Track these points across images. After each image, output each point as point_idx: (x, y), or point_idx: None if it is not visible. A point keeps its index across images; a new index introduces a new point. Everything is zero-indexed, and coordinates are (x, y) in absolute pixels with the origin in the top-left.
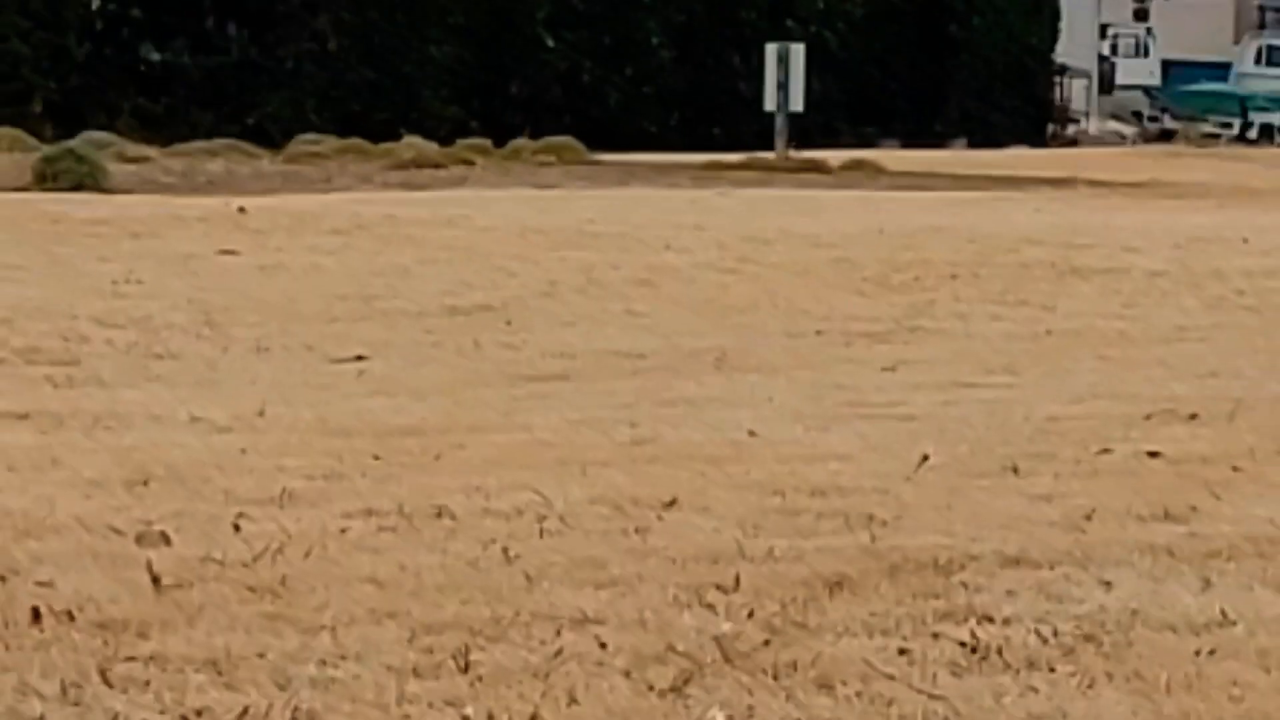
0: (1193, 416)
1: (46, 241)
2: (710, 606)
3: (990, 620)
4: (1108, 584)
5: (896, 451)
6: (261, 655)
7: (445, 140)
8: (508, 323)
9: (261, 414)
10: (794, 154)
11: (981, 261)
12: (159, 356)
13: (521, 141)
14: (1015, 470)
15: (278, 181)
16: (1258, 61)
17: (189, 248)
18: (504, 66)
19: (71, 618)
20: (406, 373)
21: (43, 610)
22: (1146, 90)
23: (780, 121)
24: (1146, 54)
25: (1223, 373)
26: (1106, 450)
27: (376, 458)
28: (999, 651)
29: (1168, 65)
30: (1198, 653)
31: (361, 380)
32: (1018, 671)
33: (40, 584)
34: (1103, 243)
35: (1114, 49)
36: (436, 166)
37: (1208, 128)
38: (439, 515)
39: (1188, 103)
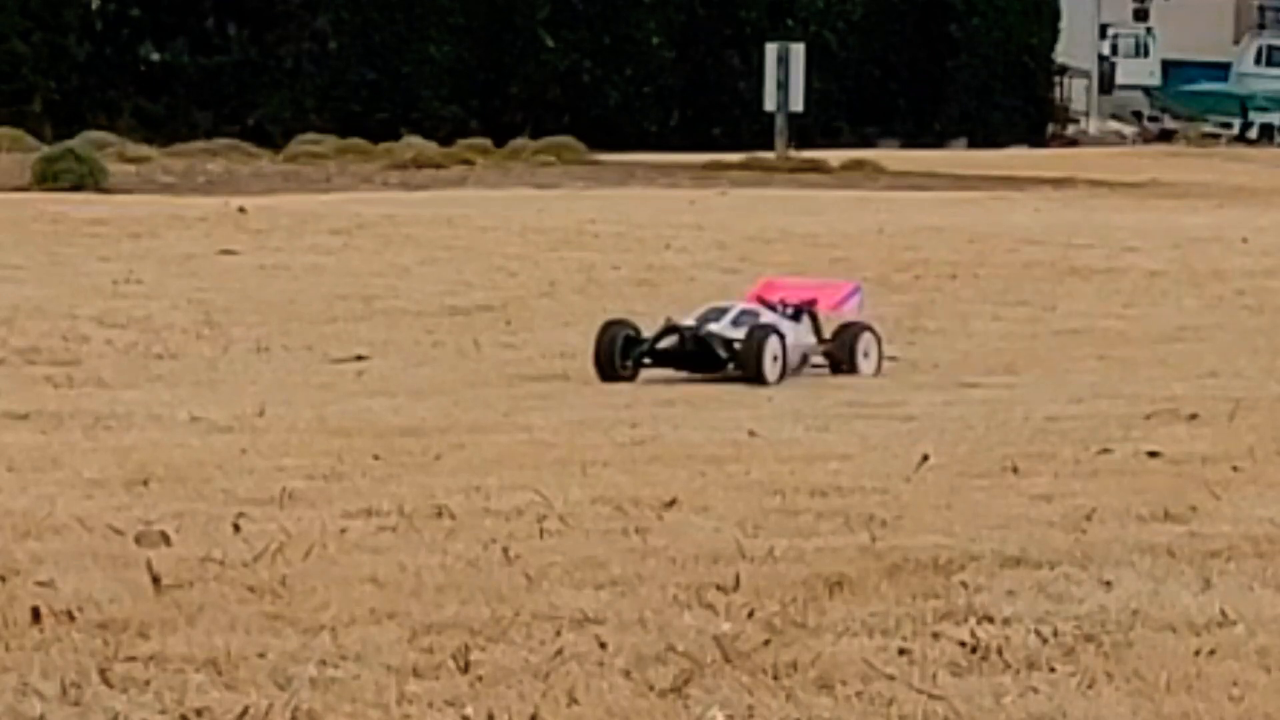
0: (1193, 416)
1: (47, 241)
2: (710, 606)
3: (990, 620)
4: (1108, 584)
5: (896, 451)
6: (261, 655)
7: (445, 140)
8: (508, 323)
9: (261, 414)
10: (794, 154)
11: (981, 261)
12: (159, 356)
13: (521, 141)
14: (1015, 470)
15: (278, 181)
16: (1258, 61)
17: (189, 248)
18: (504, 66)
19: (71, 618)
20: (406, 373)
21: (43, 610)
22: (1146, 90)
23: (780, 121)
24: (1146, 54)
25: (1223, 373)
26: (1106, 450)
27: (376, 458)
28: (999, 651)
29: (1168, 65)
30: (1198, 653)
31: (361, 380)
32: (1018, 671)
33: (40, 584)
34: (1102, 243)
35: (1114, 49)
36: (436, 166)
37: (1208, 128)
38: (439, 515)
39: (1188, 103)
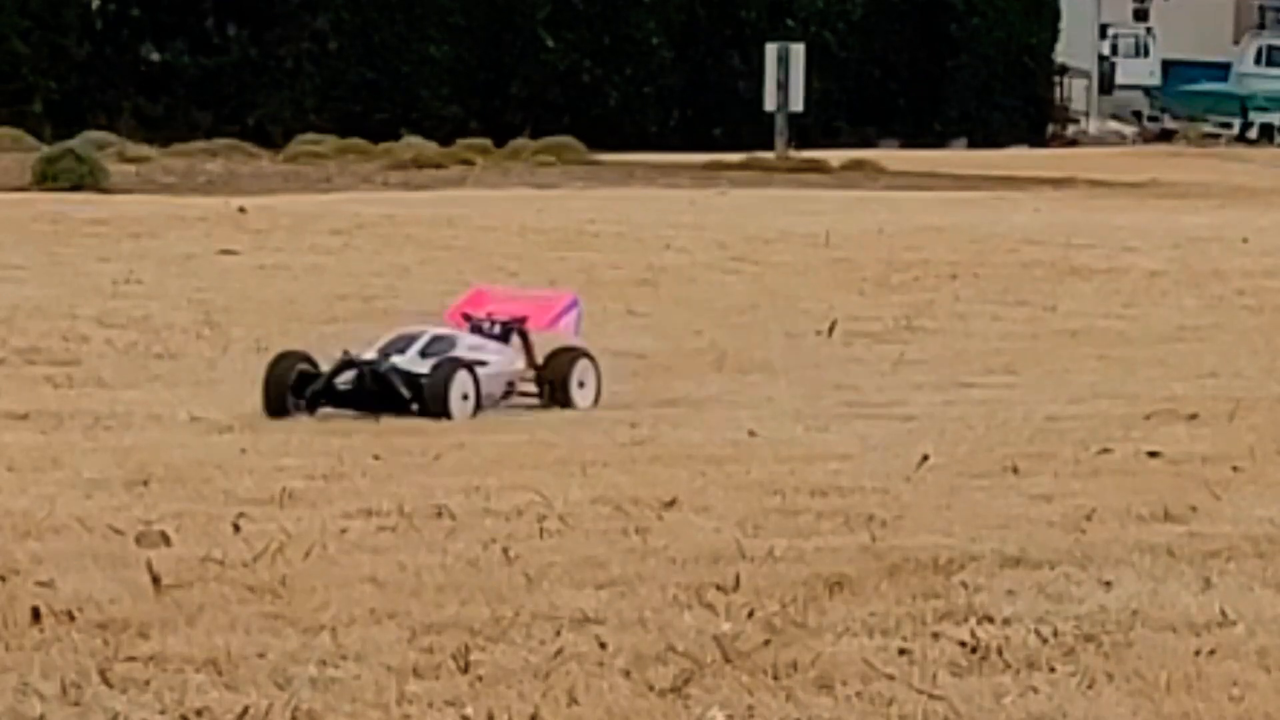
0: (1193, 416)
1: (46, 241)
2: (710, 606)
3: (990, 620)
4: (1108, 584)
5: (896, 451)
6: (261, 655)
7: (445, 140)
8: None
9: (262, 414)
10: (794, 154)
11: (981, 261)
12: (159, 356)
13: (521, 141)
14: (1015, 470)
15: (278, 181)
16: (1258, 61)
17: (189, 248)
18: (504, 66)
19: (71, 618)
20: None
21: (43, 610)
22: (1146, 90)
23: (780, 121)
24: (1146, 54)
25: (1223, 373)
26: (1106, 450)
27: (376, 458)
28: (999, 651)
29: (1168, 65)
30: (1198, 653)
31: None
32: (1018, 671)
33: (40, 584)
34: (1103, 243)
35: (1114, 49)
36: (436, 166)
37: (1208, 128)
38: (439, 515)
39: (1188, 103)
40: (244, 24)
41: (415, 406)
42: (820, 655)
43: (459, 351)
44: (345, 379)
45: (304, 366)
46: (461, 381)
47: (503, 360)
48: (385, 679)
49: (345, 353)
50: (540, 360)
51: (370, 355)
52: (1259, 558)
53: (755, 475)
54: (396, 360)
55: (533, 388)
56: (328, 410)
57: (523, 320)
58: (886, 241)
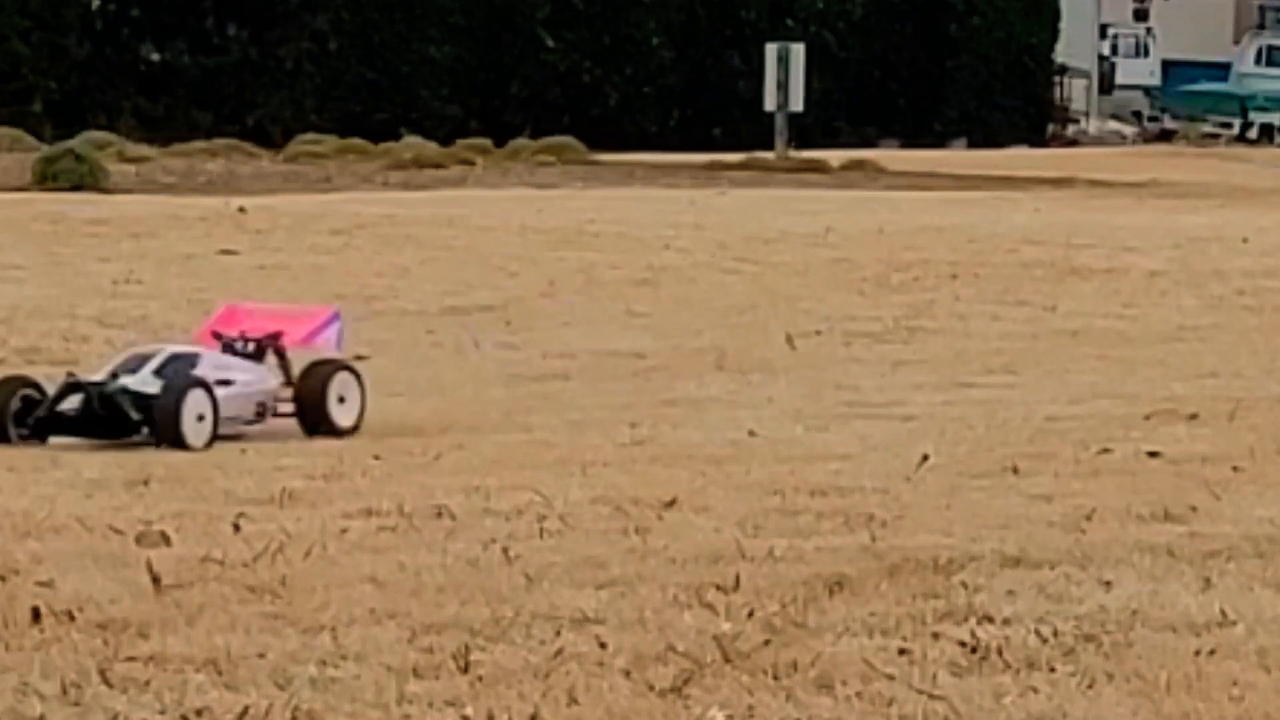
0: (1193, 416)
1: (47, 241)
2: (710, 606)
3: (990, 620)
4: (1108, 584)
5: (896, 451)
6: (261, 655)
7: (445, 140)
8: (508, 323)
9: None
10: (794, 154)
11: (981, 261)
12: None
13: (521, 141)
14: (1015, 470)
15: (278, 181)
16: (1258, 61)
17: (189, 248)
18: (504, 66)
19: (71, 618)
20: (406, 372)
21: (43, 610)
22: (1146, 90)
23: (780, 121)
24: (1146, 54)
25: (1223, 373)
26: (1106, 450)
27: (376, 458)
28: (999, 651)
29: (1168, 65)
30: (1198, 653)
31: None
32: (1018, 671)
33: (40, 584)
34: (1103, 243)
35: (1114, 49)
36: (436, 166)
37: (1208, 128)
38: (439, 515)
39: (1188, 103)
40: (244, 24)
41: (146, 430)
42: (820, 655)
43: (200, 371)
44: (72, 403)
45: (27, 392)
46: (196, 401)
47: (252, 379)
48: (385, 679)
49: (69, 374)
50: (299, 375)
51: (99, 377)
52: (1259, 558)
53: (755, 475)
54: (126, 381)
55: (291, 407)
56: (61, 440)
57: (277, 336)
58: (886, 241)
